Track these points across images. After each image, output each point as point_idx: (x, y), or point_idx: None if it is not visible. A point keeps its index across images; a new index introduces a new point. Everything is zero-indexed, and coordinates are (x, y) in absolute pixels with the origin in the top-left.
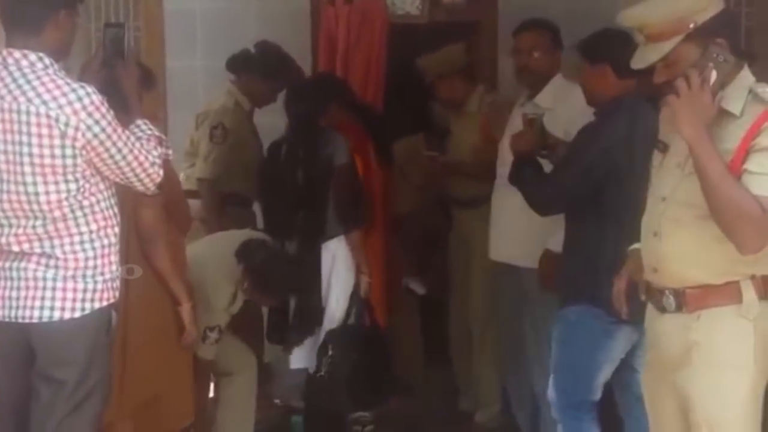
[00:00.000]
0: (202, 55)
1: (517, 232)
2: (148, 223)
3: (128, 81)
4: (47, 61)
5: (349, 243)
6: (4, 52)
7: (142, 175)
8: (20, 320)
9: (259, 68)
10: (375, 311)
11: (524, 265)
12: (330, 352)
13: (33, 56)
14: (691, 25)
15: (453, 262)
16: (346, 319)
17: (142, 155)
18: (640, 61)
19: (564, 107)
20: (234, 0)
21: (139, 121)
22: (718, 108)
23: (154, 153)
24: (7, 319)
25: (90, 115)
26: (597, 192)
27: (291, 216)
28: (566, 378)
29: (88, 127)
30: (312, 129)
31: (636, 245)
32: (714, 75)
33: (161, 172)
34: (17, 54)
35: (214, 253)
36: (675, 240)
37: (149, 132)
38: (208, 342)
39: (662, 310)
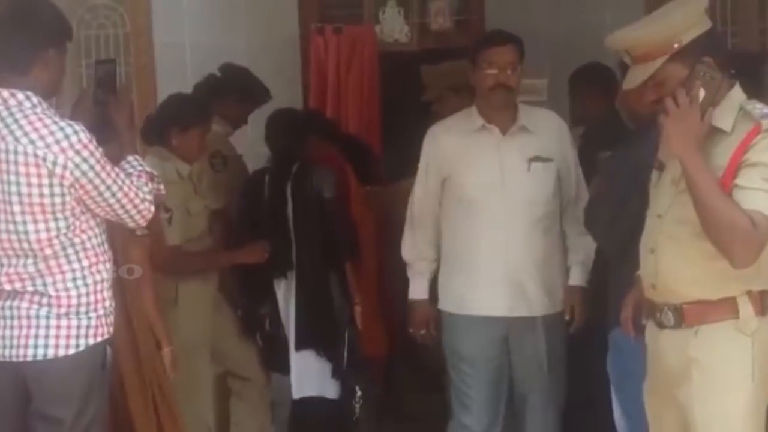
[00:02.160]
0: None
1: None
2: (137, 262)
3: (120, 117)
4: (35, 99)
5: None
6: None
7: (133, 212)
8: (14, 359)
9: (232, 91)
10: (368, 342)
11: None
12: (358, 393)
13: (21, 95)
14: (676, 45)
15: None
16: (350, 353)
17: (132, 192)
18: (630, 81)
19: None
20: (223, 32)
21: (131, 157)
22: (709, 125)
23: (145, 189)
24: (1, 359)
25: (78, 153)
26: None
27: (285, 251)
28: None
29: (76, 165)
30: (295, 163)
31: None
32: (702, 93)
33: (152, 208)
34: (5, 93)
35: None
36: (671, 257)
37: (140, 168)
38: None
39: (661, 325)
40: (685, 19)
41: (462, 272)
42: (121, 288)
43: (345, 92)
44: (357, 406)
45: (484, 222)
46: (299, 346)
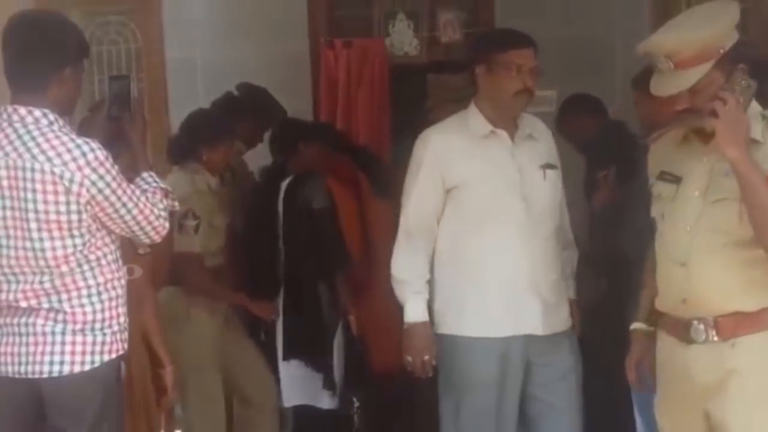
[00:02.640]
0: (204, 103)
1: None
2: (139, 282)
3: (134, 133)
4: (52, 117)
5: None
6: (9, 109)
7: (148, 228)
8: (30, 376)
9: (248, 110)
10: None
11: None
12: (356, 404)
13: (38, 112)
14: (721, 50)
15: None
16: (348, 364)
17: (147, 209)
18: (667, 87)
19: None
20: (234, 46)
21: (145, 174)
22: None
23: (160, 206)
24: (17, 376)
25: (94, 170)
26: None
27: (275, 261)
28: None
29: (93, 183)
30: (286, 176)
31: (638, 325)
32: (741, 100)
33: (167, 225)
34: (22, 111)
35: None
36: (707, 269)
37: (155, 184)
38: (185, 231)
39: (689, 341)
40: (728, 24)
41: (476, 291)
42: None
43: (355, 106)
44: (355, 417)
45: (505, 234)
46: (286, 356)
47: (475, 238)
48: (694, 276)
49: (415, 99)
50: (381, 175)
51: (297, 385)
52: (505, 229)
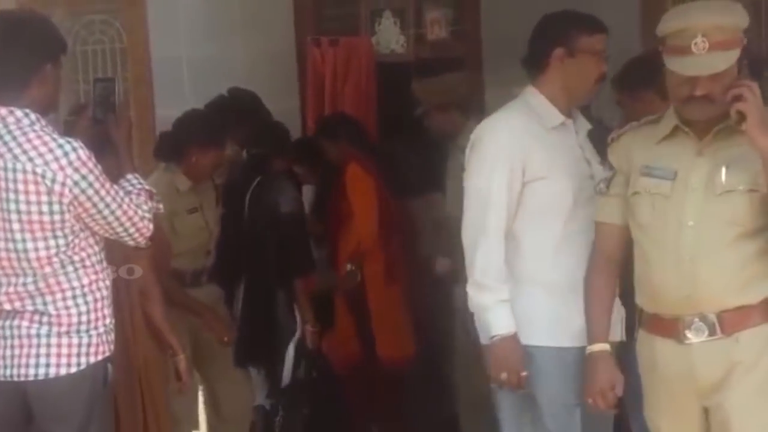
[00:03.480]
0: (191, 102)
1: None
2: (141, 276)
3: (119, 135)
4: (33, 117)
5: (292, 292)
6: None
7: (132, 230)
8: (16, 378)
9: (241, 114)
10: (330, 362)
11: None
12: (280, 413)
13: (19, 113)
14: (744, 41)
15: None
16: (294, 374)
17: (131, 210)
18: (699, 68)
19: None
20: (219, 45)
21: (130, 175)
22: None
23: (144, 207)
24: (2, 378)
25: (77, 170)
26: None
27: (238, 261)
28: None
29: (75, 183)
30: (258, 176)
31: (602, 346)
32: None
33: (151, 226)
34: (3, 111)
35: None
36: (715, 263)
37: (139, 186)
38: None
39: (689, 340)
40: (746, 17)
41: (555, 297)
42: (120, 294)
43: (342, 103)
44: (276, 427)
45: (587, 233)
46: (237, 363)
47: (556, 238)
48: (701, 271)
49: (401, 97)
50: (398, 175)
51: (258, 385)
52: (587, 226)
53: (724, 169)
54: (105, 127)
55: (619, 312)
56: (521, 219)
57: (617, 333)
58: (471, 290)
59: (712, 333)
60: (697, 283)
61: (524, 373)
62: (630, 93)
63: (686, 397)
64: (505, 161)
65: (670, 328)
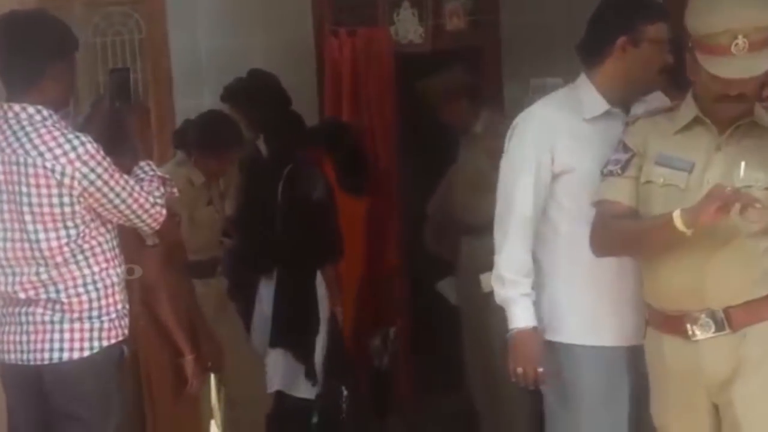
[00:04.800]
0: (209, 92)
1: None
2: (150, 273)
3: (134, 124)
4: (45, 113)
5: (324, 277)
6: (5, 106)
7: (144, 216)
8: (32, 363)
9: (260, 96)
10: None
11: None
12: (345, 392)
13: (31, 109)
14: None
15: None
16: (331, 355)
17: (141, 197)
18: (740, 70)
19: None
20: (238, 35)
21: (143, 163)
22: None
23: (156, 194)
24: (20, 362)
25: (85, 163)
26: None
27: (269, 250)
28: None
29: (84, 176)
30: (289, 164)
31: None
32: None
33: (164, 212)
34: (16, 107)
35: None
36: (725, 258)
37: (152, 173)
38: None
39: (696, 336)
40: None
41: (590, 294)
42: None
43: (360, 93)
44: (344, 405)
45: None
46: (273, 344)
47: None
48: (711, 266)
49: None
50: (354, 176)
51: (276, 372)
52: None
53: (743, 165)
54: (120, 116)
55: (643, 314)
56: (556, 209)
57: (641, 336)
58: (495, 284)
59: (719, 329)
60: (705, 277)
61: (541, 369)
62: None
63: (695, 394)
64: (533, 154)
65: (676, 324)
